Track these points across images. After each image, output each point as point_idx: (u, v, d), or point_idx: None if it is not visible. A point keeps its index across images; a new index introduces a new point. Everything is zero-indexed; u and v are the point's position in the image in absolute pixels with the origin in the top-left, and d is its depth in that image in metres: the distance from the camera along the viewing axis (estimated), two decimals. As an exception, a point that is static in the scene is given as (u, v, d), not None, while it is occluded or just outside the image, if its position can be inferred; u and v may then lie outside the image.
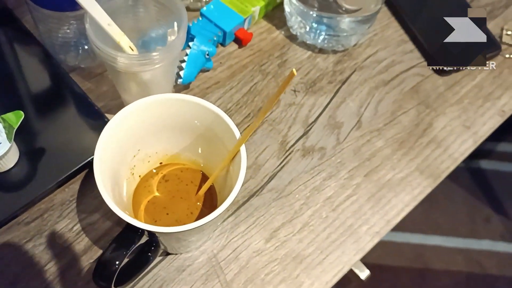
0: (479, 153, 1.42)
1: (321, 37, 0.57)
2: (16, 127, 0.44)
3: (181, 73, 0.52)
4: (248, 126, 0.52)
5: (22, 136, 0.46)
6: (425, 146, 0.54)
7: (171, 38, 0.46)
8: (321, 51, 0.59)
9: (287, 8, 0.58)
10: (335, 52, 0.59)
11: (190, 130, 0.43)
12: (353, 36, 0.58)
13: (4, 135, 0.44)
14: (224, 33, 0.56)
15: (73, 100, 0.51)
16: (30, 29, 0.54)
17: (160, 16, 0.47)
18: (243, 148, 0.38)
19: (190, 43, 0.53)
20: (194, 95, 0.53)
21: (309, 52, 0.59)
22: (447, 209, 1.33)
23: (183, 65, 0.52)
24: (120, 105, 0.52)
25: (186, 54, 0.52)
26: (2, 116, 0.45)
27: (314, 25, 0.56)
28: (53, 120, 0.50)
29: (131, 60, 0.42)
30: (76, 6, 0.43)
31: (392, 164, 0.52)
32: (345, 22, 0.55)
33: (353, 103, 0.56)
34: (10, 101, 0.50)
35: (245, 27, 0.58)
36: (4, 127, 0.44)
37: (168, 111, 0.41)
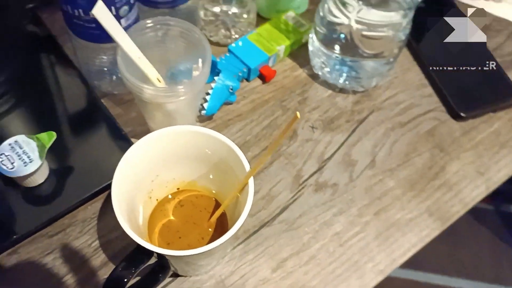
0: (509, 196, 1.40)
1: (342, 78, 0.59)
2: (48, 147, 0.48)
3: (205, 105, 0.55)
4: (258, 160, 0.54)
5: (53, 154, 0.50)
6: (436, 189, 0.55)
7: (195, 73, 0.50)
8: (342, 90, 0.61)
9: (310, 48, 0.61)
10: (355, 92, 0.61)
11: (206, 159, 0.46)
12: (373, 78, 0.60)
13: (37, 153, 0.47)
14: (249, 69, 0.59)
15: (102, 124, 0.54)
16: (70, 55, 0.59)
17: (187, 51, 0.50)
18: (251, 181, 0.40)
19: (216, 78, 0.56)
20: (216, 126, 0.57)
21: (330, 91, 0.61)
22: (472, 250, 1.31)
23: (208, 97, 0.55)
24: (146, 131, 0.55)
25: (211, 88, 0.55)
26: (37, 135, 0.48)
27: (336, 66, 0.58)
28: (83, 141, 0.54)
29: (157, 92, 0.45)
30: (111, 39, 0.47)
31: (402, 204, 0.53)
32: (367, 65, 0.58)
33: (368, 142, 0.57)
34: (45, 121, 0.54)
35: (270, 64, 0.61)
36: (37, 146, 0.48)
37: (185, 141, 0.44)
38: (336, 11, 0.54)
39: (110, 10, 0.47)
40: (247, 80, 0.61)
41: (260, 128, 0.57)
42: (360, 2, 0.51)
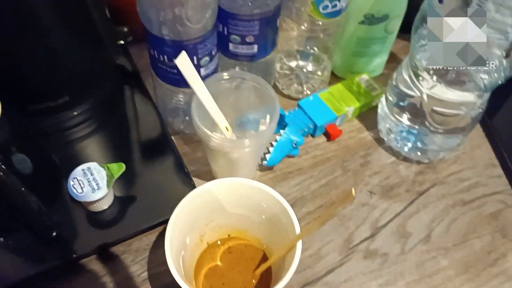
0: None
1: (408, 147, 0.59)
2: (116, 178, 0.51)
3: (268, 155, 0.57)
4: (309, 223, 0.55)
5: (119, 182, 0.53)
6: (493, 276, 0.52)
7: (262, 127, 0.52)
8: (406, 159, 0.60)
9: (379, 112, 0.61)
10: (419, 162, 0.60)
11: (260, 212, 0.47)
12: (440, 152, 0.59)
13: (105, 182, 0.51)
14: (315, 126, 0.60)
15: (169, 160, 0.57)
16: (150, 90, 0.63)
17: (258, 104, 0.53)
18: (299, 244, 0.41)
19: (282, 131, 0.58)
20: (275, 176, 0.58)
21: (393, 158, 0.61)
22: None
23: (271, 149, 0.57)
24: (209, 172, 0.58)
25: (276, 140, 0.57)
26: (108, 165, 0.52)
27: (403, 134, 0.58)
28: (148, 174, 0.57)
29: (223, 142, 0.47)
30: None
31: (454, 286, 0.51)
32: (434, 138, 0.57)
33: (426, 216, 0.56)
34: (118, 149, 0.58)
35: (337, 123, 0.62)
36: (107, 175, 0.51)
37: (243, 193, 0.46)
38: (409, 82, 0.54)
39: (192, 59, 0.50)
40: (312, 135, 0.62)
41: (318, 185, 0.58)
42: (435, 78, 0.51)
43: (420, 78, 0.52)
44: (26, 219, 0.48)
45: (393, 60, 0.68)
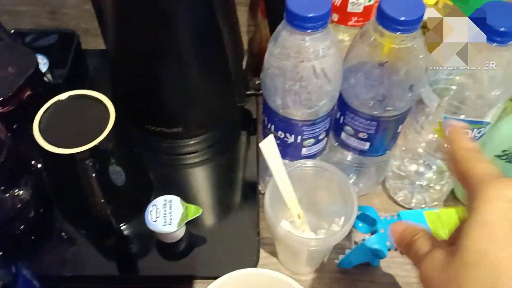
0: None
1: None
2: (188, 219, 0.53)
3: (341, 256, 0.53)
4: None
5: (197, 223, 0.55)
6: None
7: (334, 227, 0.49)
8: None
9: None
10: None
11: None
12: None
13: (178, 220, 0.52)
14: (407, 244, 0.55)
15: (246, 220, 0.57)
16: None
17: (336, 199, 0.50)
18: None
19: (368, 236, 0.54)
20: (344, 279, 0.54)
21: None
22: None
23: (347, 251, 0.53)
24: (274, 250, 0.56)
25: (357, 242, 0.53)
26: (187, 204, 0.54)
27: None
28: (221, 227, 0.57)
29: (288, 235, 0.46)
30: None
31: None
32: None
33: None
34: (206, 192, 0.60)
35: (433, 249, 0.55)
36: (182, 214, 0.53)
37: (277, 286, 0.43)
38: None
39: (296, 138, 0.49)
40: (401, 252, 0.56)
41: (384, 310, 0.53)
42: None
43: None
44: (97, 227, 0.53)
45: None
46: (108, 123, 0.49)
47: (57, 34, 0.71)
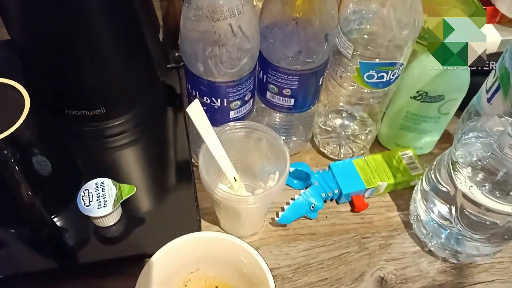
0: None
1: (435, 241, 0.54)
2: (123, 199, 0.51)
3: (280, 213, 0.54)
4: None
5: (131, 202, 0.53)
6: None
7: (270, 183, 0.49)
8: (431, 252, 0.55)
9: (414, 194, 0.56)
10: (445, 260, 0.55)
11: (239, 266, 0.45)
12: (474, 257, 0.53)
13: (113, 201, 0.51)
14: (341, 193, 0.57)
15: (183, 191, 0.56)
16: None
17: (270, 157, 0.51)
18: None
19: (303, 190, 0.55)
20: (285, 236, 0.56)
21: (418, 248, 0.56)
22: None
23: (286, 207, 0.54)
24: (215, 218, 0.56)
25: (293, 198, 0.55)
26: (120, 184, 0.52)
27: (435, 225, 0.53)
28: (158, 200, 0.56)
29: (227, 196, 0.46)
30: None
31: None
32: (467, 243, 0.51)
33: (435, 323, 0.51)
34: (138, 170, 0.59)
35: (365, 195, 0.58)
36: (116, 194, 0.51)
37: (221, 247, 0.44)
38: (445, 176, 0.49)
39: (222, 101, 0.49)
40: (337, 202, 0.59)
41: (328, 256, 0.54)
42: (470, 182, 0.46)
43: (457, 175, 0.47)
44: (28, 221, 0.50)
45: (447, 141, 0.63)
46: (23, 110, 0.46)
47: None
